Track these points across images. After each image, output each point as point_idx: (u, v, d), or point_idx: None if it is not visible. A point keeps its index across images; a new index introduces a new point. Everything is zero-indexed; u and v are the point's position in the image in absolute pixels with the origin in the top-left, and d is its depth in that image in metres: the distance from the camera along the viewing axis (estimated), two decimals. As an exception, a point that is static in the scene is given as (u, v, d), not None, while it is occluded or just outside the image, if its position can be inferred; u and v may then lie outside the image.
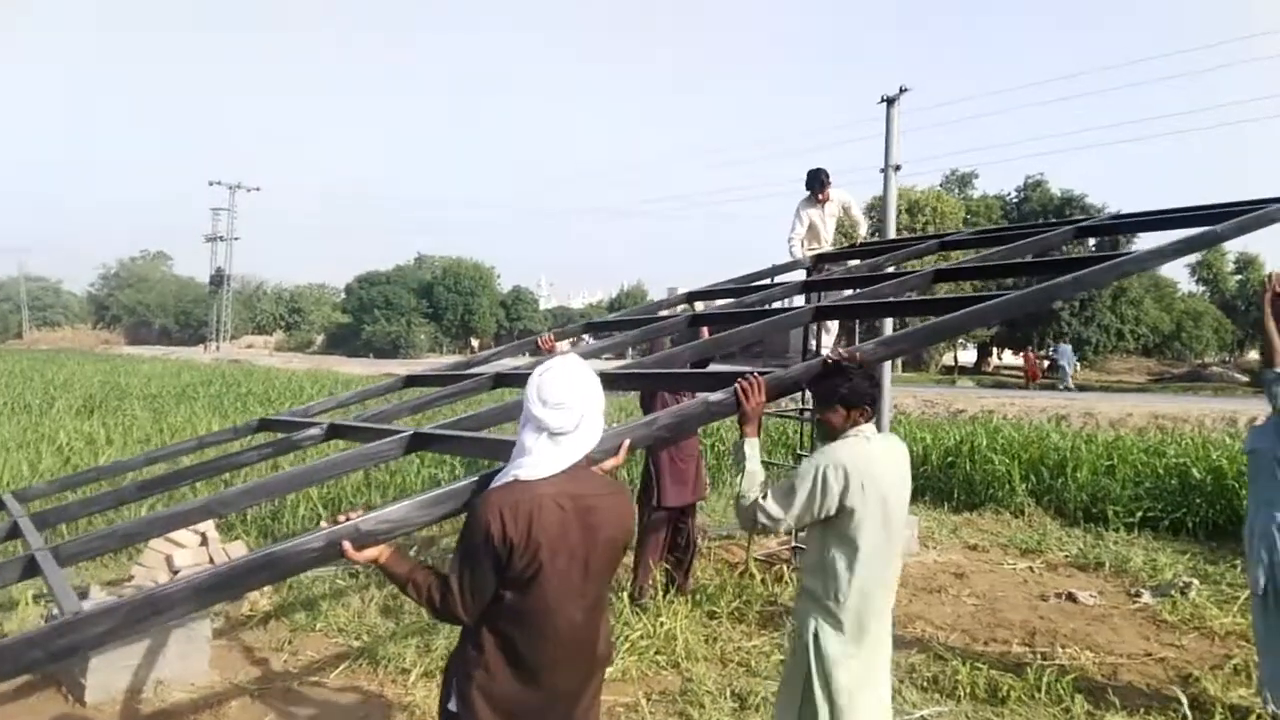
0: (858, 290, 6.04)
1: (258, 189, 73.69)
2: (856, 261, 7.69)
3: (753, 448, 3.45)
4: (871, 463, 3.29)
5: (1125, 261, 4.53)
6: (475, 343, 74.76)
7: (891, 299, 5.36)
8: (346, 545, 2.52)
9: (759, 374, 3.31)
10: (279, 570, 2.53)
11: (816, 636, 3.34)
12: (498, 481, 2.63)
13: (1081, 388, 34.11)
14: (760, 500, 3.38)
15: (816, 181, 8.91)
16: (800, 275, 7.94)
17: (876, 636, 3.36)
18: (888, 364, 9.33)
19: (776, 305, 6.58)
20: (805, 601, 3.44)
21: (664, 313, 7.09)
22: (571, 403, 2.61)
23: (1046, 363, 43.35)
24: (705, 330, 6.15)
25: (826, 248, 8.94)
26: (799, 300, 7.24)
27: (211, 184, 69.47)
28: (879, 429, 7.22)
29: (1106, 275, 4.50)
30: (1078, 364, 36.05)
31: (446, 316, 73.86)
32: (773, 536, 8.34)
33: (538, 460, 2.59)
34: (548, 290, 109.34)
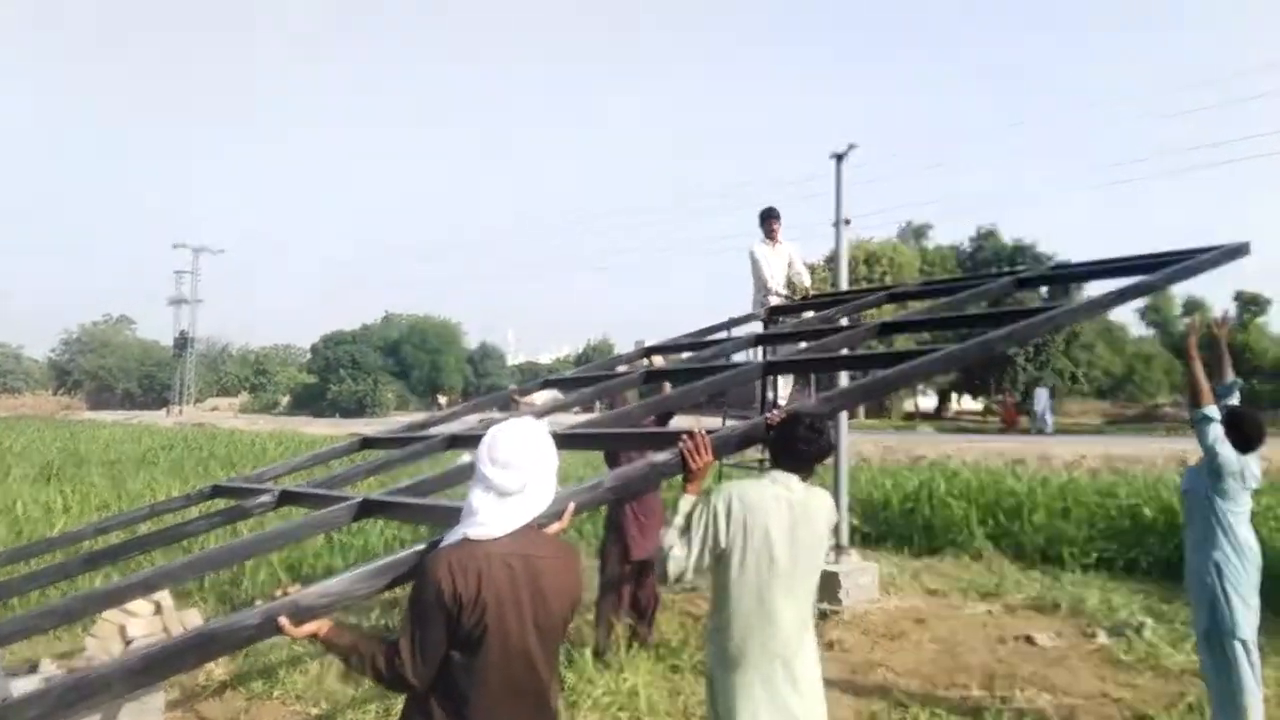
0: (808, 344, 6.14)
1: (222, 251, 73.44)
2: (811, 313, 7.81)
3: (687, 503, 3.49)
4: (763, 501, 3.37)
5: (1059, 314, 4.68)
6: (443, 400, 74.29)
7: (837, 353, 5.46)
8: (283, 621, 2.49)
9: (706, 432, 3.36)
10: (214, 649, 2.50)
11: (711, 674, 3.46)
12: (447, 540, 2.63)
13: (1024, 433, 34.29)
14: (667, 548, 3.42)
15: (767, 217, 9.08)
16: (755, 327, 8.04)
17: (771, 681, 3.36)
18: (844, 412, 9.39)
19: (739, 357, 6.69)
20: (707, 638, 3.56)
21: (621, 368, 7.15)
22: (520, 463, 2.62)
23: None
24: (667, 385, 6.21)
25: (779, 290, 9.05)
26: (758, 351, 7.36)
27: (175, 247, 69.32)
28: (836, 479, 7.20)
29: (1041, 327, 4.65)
30: (1045, 410, 35.87)
31: (414, 374, 73.48)
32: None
33: (486, 520, 2.58)
34: (515, 345, 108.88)
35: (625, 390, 6.33)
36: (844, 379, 8.67)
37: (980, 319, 5.79)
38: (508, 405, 6.81)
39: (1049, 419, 35.15)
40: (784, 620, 3.39)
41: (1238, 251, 5.68)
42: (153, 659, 2.35)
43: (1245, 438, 5.05)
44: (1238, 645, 4.89)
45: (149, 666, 2.35)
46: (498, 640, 2.53)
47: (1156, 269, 5.49)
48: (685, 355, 7.26)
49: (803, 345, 6.42)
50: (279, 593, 2.56)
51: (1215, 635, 4.97)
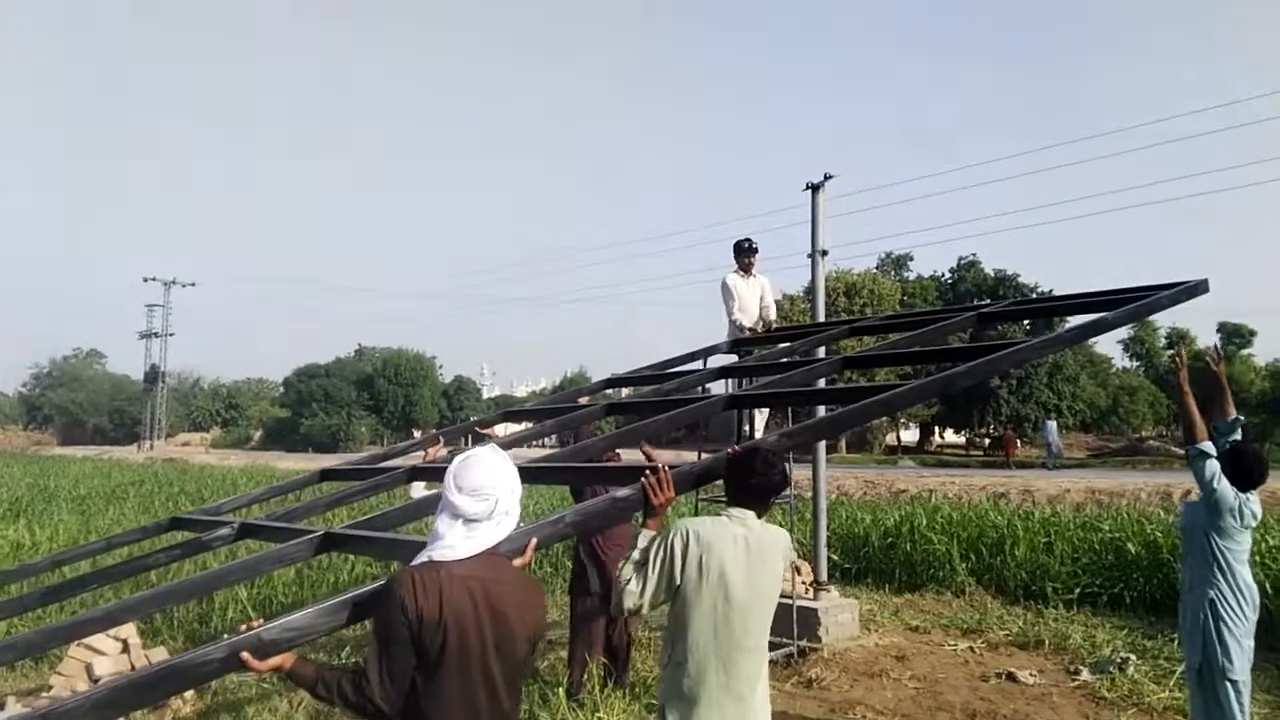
0: (772, 377, 6.11)
1: (193, 285, 72.94)
2: (787, 344, 7.76)
3: (645, 538, 3.52)
4: (720, 539, 3.42)
5: (1022, 349, 4.73)
6: (417, 434, 73.87)
7: (801, 388, 5.49)
8: (246, 656, 2.47)
9: (669, 468, 3.40)
10: (179, 683, 2.51)
11: (664, 708, 3.47)
12: (413, 564, 2.67)
13: (1022, 465, 34.09)
14: (623, 581, 3.46)
15: (744, 250, 9.02)
16: (720, 359, 7.94)
17: (720, 711, 3.38)
18: (823, 445, 9.31)
19: (716, 389, 6.63)
20: (662, 671, 3.58)
21: (583, 400, 7.08)
22: (487, 490, 2.66)
23: (988, 441, 43.73)
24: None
25: (744, 324, 8.99)
26: (724, 384, 7.32)
27: (146, 280, 68.77)
28: (815, 514, 7.15)
29: (1001, 364, 4.70)
30: (1056, 443, 34.95)
31: (387, 408, 73.09)
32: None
33: (452, 544, 2.63)
34: (490, 379, 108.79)
35: (590, 423, 6.26)
36: (821, 412, 8.62)
37: (944, 354, 5.81)
38: (468, 437, 6.72)
39: (1055, 452, 34.46)
40: (739, 656, 3.43)
41: (1196, 289, 5.75)
42: (118, 692, 2.35)
43: (1247, 474, 4.96)
44: (1228, 685, 4.83)
45: (114, 700, 2.34)
46: (458, 660, 2.56)
47: (1117, 305, 5.55)
48: (643, 389, 7.18)
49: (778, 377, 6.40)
50: (244, 628, 2.55)
51: (1207, 673, 4.89)
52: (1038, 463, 34.35)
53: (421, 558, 2.66)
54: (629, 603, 3.42)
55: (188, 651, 2.53)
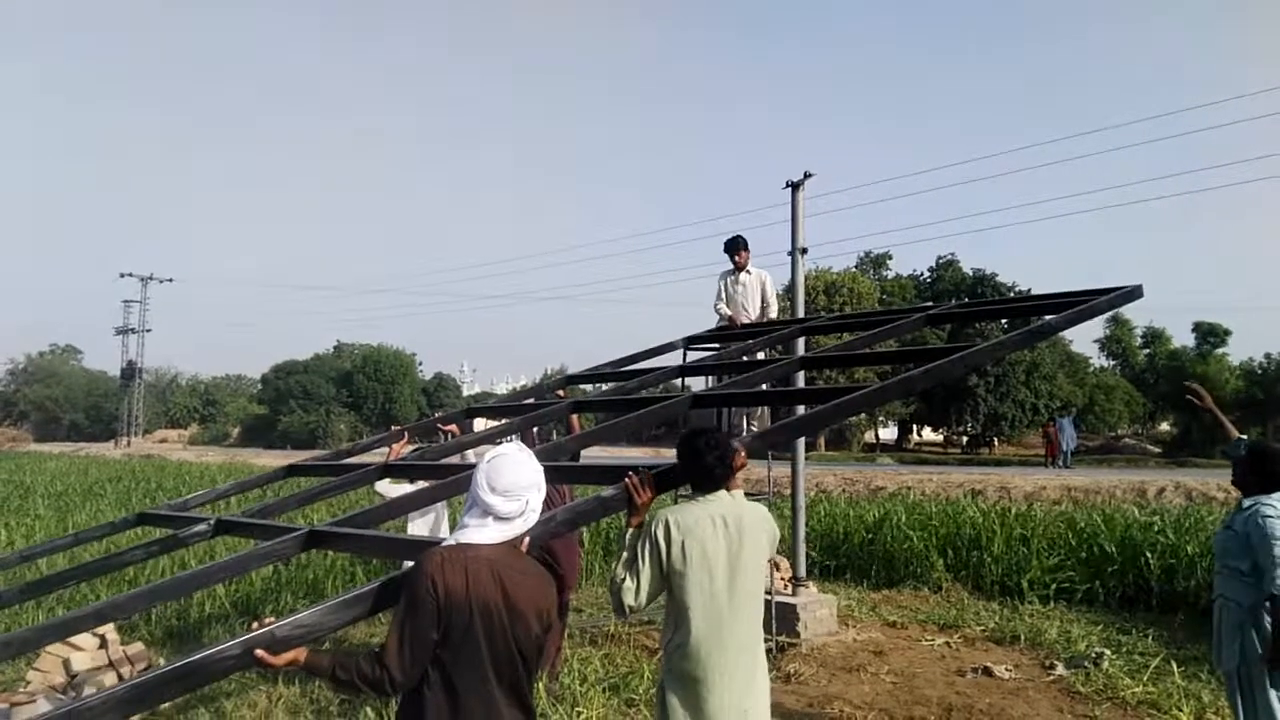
0: (734, 377, 6.16)
1: (170, 280, 72.46)
2: (743, 344, 7.80)
3: (632, 537, 3.63)
4: (698, 523, 3.54)
5: (973, 353, 4.87)
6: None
7: (763, 388, 5.69)
8: (261, 653, 2.58)
9: (648, 469, 3.52)
10: (197, 680, 2.61)
11: (662, 687, 3.58)
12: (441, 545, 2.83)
13: (1001, 463, 33.82)
14: (619, 581, 3.59)
15: (728, 247, 9.09)
16: (677, 357, 7.94)
17: (718, 689, 3.48)
18: (801, 443, 9.34)
19: (697, 384, 6.65)
20: (663, 656, 3.68)
21: (527, 400, 7.14)
22: (519, 491, 2.82)
23: (965, 439, 43.67)
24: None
25: (750, 317, 9.01)
26: (698, 382, 7.35)
27: (123, 276, 68.35)
28: (794, 511, 7.19)
29: (955, 367, 4.83)
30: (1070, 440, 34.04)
31: (367, 405, 72.71)
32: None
33: (479, 532, 2.77)
34: (470, 376, 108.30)
35: (536, 425, 6.31)
36: (799, 409, 8.65)
37: (900, 356, 5.94)
38: (432, 434, 6.74)
39: (1068, 450, 33.93)
40: (734, 633, 3.54)
41: (1132, 294, 5.93)
42: (140, 689, 2.46)
43: (1274, 473, 4.89)
44: (1271, 692, 4.80)
45: (137, 697, 2.46)
46: (485, 637, 2.68)
47: (1061, 309, 5.71)
48: (605, 386, 7.23)
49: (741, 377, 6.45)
50: (255, 626, 2.68)
51: (1246, 679, 4.85)
52: (1057, 463, 33.85)
53: (449, 543, 2.79)
54: (628, 600, 3.53)
55: (204, 648, 2.63)
